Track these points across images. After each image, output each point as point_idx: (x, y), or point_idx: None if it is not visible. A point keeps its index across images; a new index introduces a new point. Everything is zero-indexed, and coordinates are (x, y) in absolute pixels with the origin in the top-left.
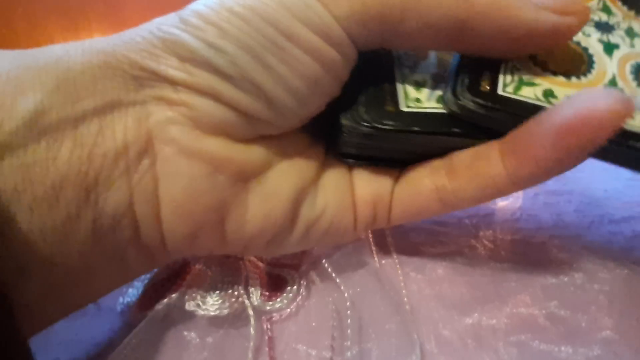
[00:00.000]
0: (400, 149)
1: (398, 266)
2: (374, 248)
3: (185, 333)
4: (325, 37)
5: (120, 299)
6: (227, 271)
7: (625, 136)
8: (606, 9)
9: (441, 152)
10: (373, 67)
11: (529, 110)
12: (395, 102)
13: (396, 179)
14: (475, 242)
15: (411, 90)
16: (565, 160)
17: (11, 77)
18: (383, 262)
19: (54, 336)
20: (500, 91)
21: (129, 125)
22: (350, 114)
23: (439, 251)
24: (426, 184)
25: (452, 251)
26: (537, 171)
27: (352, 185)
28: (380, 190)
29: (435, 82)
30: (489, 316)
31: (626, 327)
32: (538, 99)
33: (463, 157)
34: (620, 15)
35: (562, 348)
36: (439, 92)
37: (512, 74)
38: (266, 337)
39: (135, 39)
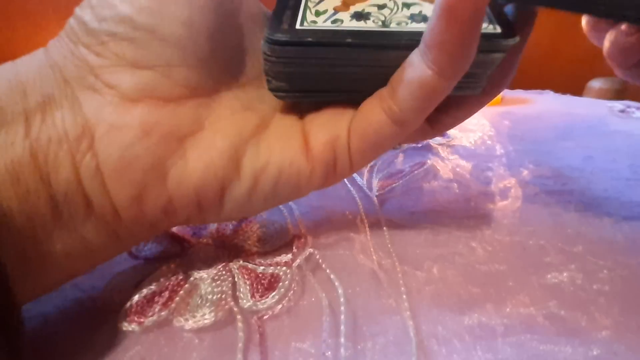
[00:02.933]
0: (318, 72)
1: (397, 264)
2: (372, 247)
3: (184, 334)
4: None
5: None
6: (217, 282)
7: None
8: None
9: (371, 79)
10: (287, 1)
11: None
12: (293, 23)
13: (351, 118)
14: (475, 243)
15: (310, 16)
16: (465, 31)
17: None
18: (382, 261)
19: (50, 336)
20: None
21: (65, 114)
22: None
23: (438, 251)
24: (376, 111)
25: (452, 251)
26: (452, 55)
27: (304, 132)
28: (337, 130)
29: (335, 11)
30: (488, 316)
31: (626, 327)
32: None
33: (397, 74)
34: None
35: (562, 348)
36: (336, 17)
37: None
38: (257, 335)
39: (57, 41)
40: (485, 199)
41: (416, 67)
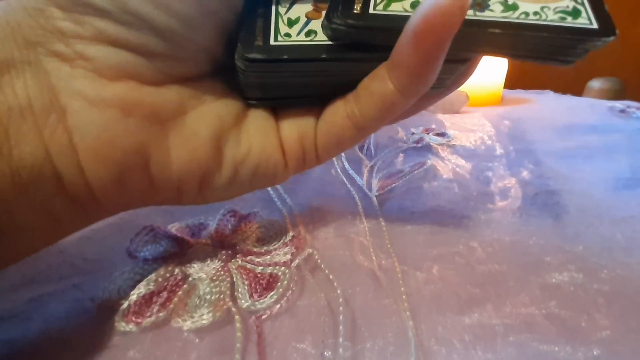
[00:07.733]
0: (292, 82)
1: (397, 264)
2: (372, 247)
3: (183, 334)
4: None
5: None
6: (215, 282)
7: (484, 26)
8: None
9: (340, 84)
10: (257, 7)
11: (399, 22)
12: (267, 37)
13: (318, 116)
14: (475, 243)
15: (283, 27)
16: (429, 60)
17: None
18: (382, 262)
19: (49, 336)
20: (371, 10)
21: (29, 83)
22: (236, 53)
23: (438, 251)
24: (340, 113)
25: (452, 251)
26: (414, 78)
27: (277, 128)
28: (305, 128)
29: (308, 19)
30: (487, 316)
31: (626, 327)
32: (406, 11)
33: (364, 82)
34: None
35: (562, 348)
36: (309, 28)
37: None
38: (255, 336)
39: (21, 0)
40: (485, 199)
41: (381, 81)
